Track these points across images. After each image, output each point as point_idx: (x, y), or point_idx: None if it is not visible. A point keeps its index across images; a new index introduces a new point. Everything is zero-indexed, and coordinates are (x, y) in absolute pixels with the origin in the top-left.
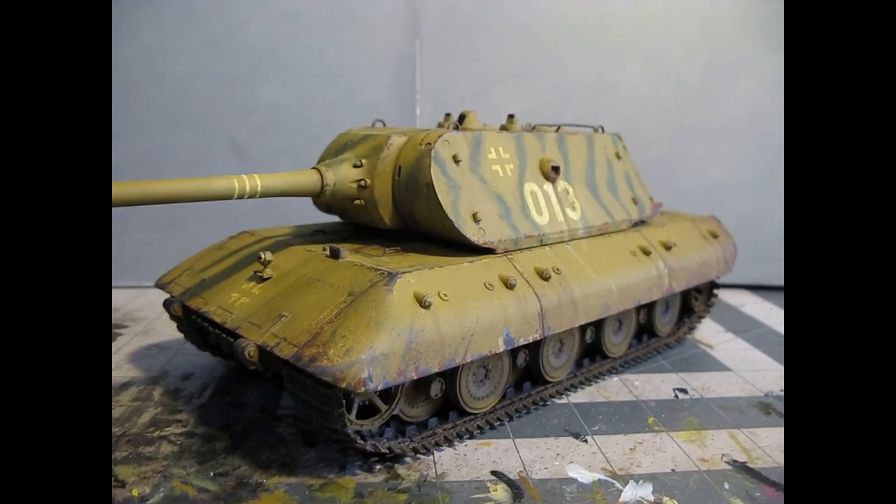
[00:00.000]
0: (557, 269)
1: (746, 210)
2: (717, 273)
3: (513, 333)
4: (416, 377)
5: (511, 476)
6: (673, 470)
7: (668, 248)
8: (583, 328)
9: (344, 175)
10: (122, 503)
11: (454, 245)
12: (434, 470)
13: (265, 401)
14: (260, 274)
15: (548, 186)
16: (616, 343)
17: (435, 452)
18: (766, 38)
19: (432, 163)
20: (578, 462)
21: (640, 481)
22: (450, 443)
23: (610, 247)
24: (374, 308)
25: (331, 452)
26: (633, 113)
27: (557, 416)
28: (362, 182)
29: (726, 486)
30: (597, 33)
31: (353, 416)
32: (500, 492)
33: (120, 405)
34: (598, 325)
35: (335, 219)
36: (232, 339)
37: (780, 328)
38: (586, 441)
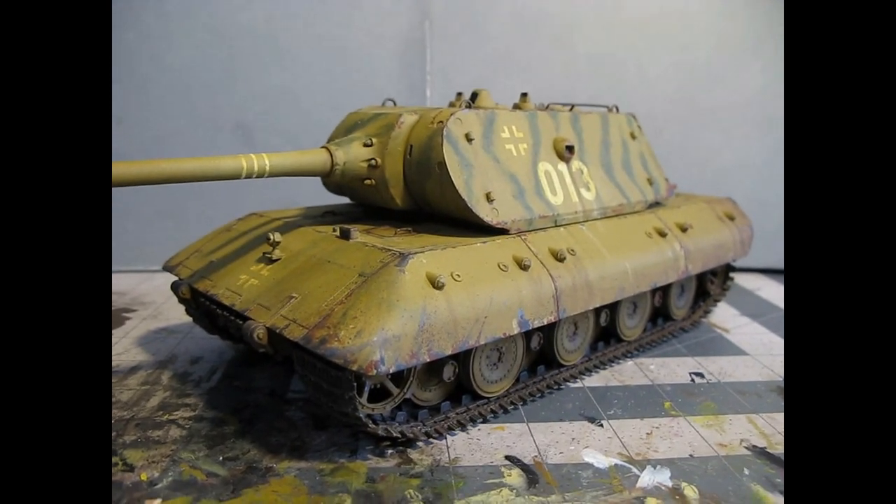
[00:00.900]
0: (572, 251)
1: (760, 194)
2: (733, 255)
3: (527, 315)
4: (428, 360)
5: (525, 461)
6: (691, 455)
7: (683, 229)
8: (597, 311)
9: (354, 154)
10: (131, 487)
11: (467, 225)
12: (447, 454)
13: (275, 384)
14: (269, 255)
15: (562, 166)
16: (631, 326)
17: (448, 437)
18: (776, 21)
19: (444, 141)
20: (594, 447)
21: (658, 466)
22: (463, 427)
23: (625, 228)
24: (386, 289)
25: (342, 437)
26: (643, 96)
27: (572, 400)
28: (373, 161)
29: (746, 471)
30: (607, 16)
31: (364, 400)
32: (515, 477)
33: (128, 389)
34: (613, 308)
35: (346, 200)
36: (240, 322)
37: None
38: (602, 425)
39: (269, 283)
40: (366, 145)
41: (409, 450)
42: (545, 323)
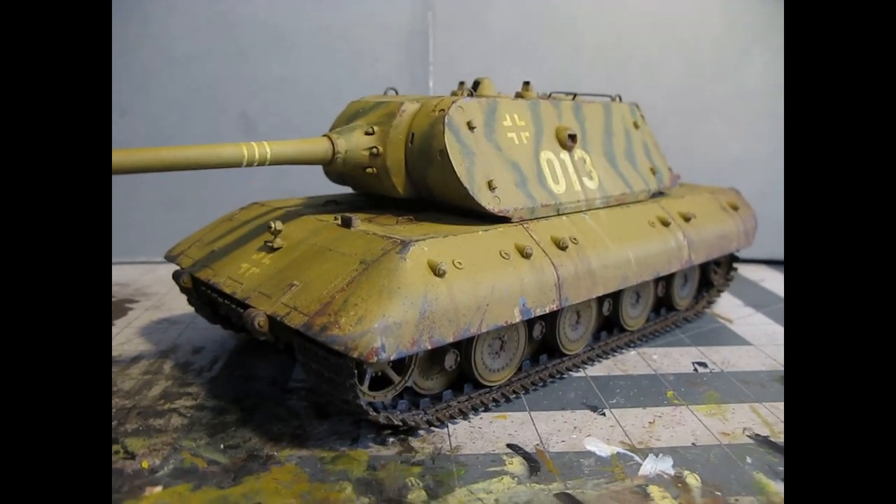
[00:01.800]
0: (575, 239)
1: (764, 185)
2: (737, 246)
3: (529, 303)
4: (430, 347)
5: (527, 449)
6: (693, 444)
7: (687, 219)
8: (600, 300)
9: (355, 142)
10: (132, 475)
11: (469, 214)
12: (448, 443)
13: (276, 374)
14: (270, 244)
15: (564, 155)
16: (634, 316)
17: (449, 425)
18: (782, 12)
19: (446, 129)
20: (596, 435)
21: (660, 455)
22: (464, 415)
23: (628, 217)
24: (387, 276)
25: (343, 425)
26: (647, 86)
27: (574, 389)
28: (374, 150)
29: (748, 459)
30: (612, 6)
31: (365, 388)
32: (516, 465)
33: (130, 378)
34: (616, 297)
35: (348, 190)
36: (241, 310)
37: None
38: (604, 414)
39: (271, 272)
40: (367, 133)
41: (410, 438)
42: (547, 311)
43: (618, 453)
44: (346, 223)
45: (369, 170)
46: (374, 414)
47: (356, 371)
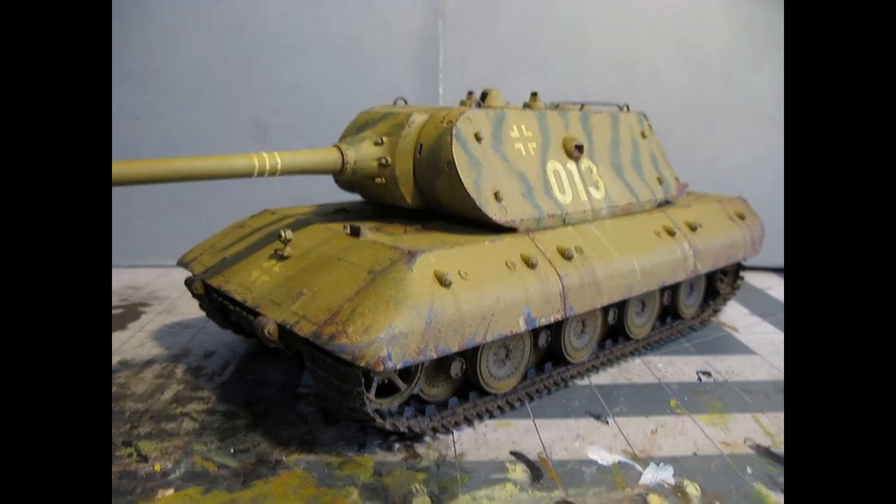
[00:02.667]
0: (580, 249)
1: (772, 192)
2: (743, 255)
3: (534, 313)
4: (435, 356)
5: (530, 457)
6: (695, 453)
7: (693, 228)
8: (605, 309)
9: (365, 153)
10: (145, 478)
11: (476, 224)
12: (453, 450)
13: (286, 379)
14: (280, 252)
15: (571, 165)
16: (639, 325)
17: (454, 432)
18: None
19: (454, 140)
20: (599, 444)
21: (661, 464)
22: (469, 423)
23: (634, 227)
24: (394, 286)
25: (351, 431)
26: (656, 93)
27: (578, 397)
28: (383, 160)
29: (749, 470)
30: (620, 13)
31: (372, 395)
32: (519, 472)
33: (143, 382)
34: (621, 306)
35: (357, 198)
36: (252, 318)
37: None
38: (607, 423)
39: (281, 280)
40: (376, 144)
41: (416, 444)
42: (552, 321)
43: (619, 462)
44: (355, 232)
45: (378, 180)
46: (381, 421)
47: (363, 379)
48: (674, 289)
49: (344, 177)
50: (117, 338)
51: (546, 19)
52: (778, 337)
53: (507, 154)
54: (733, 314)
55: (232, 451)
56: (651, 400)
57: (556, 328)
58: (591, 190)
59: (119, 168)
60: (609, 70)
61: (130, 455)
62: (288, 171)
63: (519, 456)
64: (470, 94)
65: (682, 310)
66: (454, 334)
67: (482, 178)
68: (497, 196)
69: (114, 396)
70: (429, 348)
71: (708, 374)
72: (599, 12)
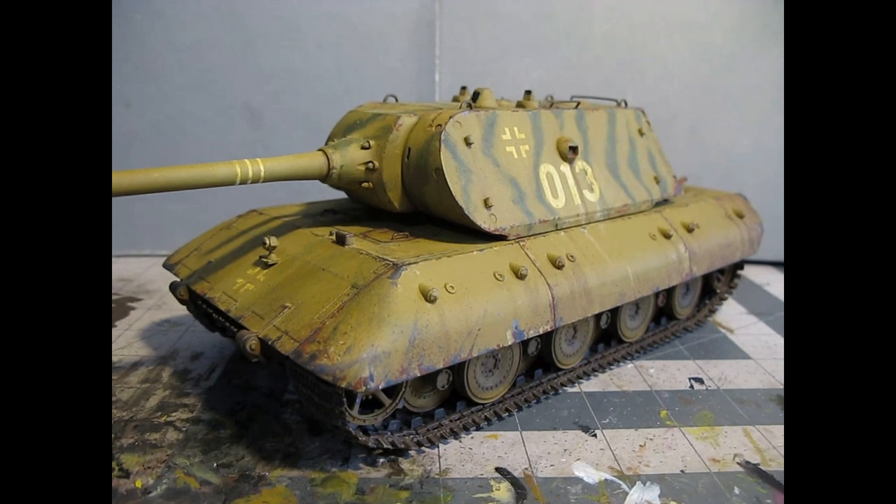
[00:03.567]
0: (571, 256)
1: (775, 182)
2: (741, 255)
3: (522, 326)
4: (419, 374)
5: (515, 474)
6: (682, 471)
7: (689, 230)
8: (598, 314)
9: (351, 157)
10: (126, 495)
11: (466, 230)
12: (438, 465)
13: (273, 384)
14: (265, 260)
15: (565, 167)
16: (633, 327)
17: (440, 445)
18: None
19: (442, 146)
20: (585, 459)
21: (648, 483)
22: (455, 435)
23: (628, 230)
24: (378, 303)
25: (335, 443)
26: (658, 80)
27: (568, 406)
28: (370, 164)
29: (736, 490)
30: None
31: (355, 412)
32: (503, 491)
33: (129, 387)
34: (614, 309)
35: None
36: (235, 329)
37: None
38: (595, 435)
39: (264, 290)
40: (363, 148)
41: (400, 459)
42: (541, 332)
43: (605, 480)
44: (341, 241)
45: (365, 184)
46: (364, 437)
47: (345, 398)
48: (669, 290)
49: (330, 182)
50: None
51: (546, 5)
52: (773, 339)
53: (499, 158)
54: (730, 313)
55: (215, 465)
56: (641, 410)
57: (547, 335)
58: (586, 193)
59: None
60: (611, 54)
61: (113, 470)
62: (271, 178)
63: (504, 473)
64: (463, 89)
65: (677, 310)
66: (439, 351)
67: (471, 185)
68: (486, 203)
69: None
70: (412, 367)
71: (700, 381)
72: None
